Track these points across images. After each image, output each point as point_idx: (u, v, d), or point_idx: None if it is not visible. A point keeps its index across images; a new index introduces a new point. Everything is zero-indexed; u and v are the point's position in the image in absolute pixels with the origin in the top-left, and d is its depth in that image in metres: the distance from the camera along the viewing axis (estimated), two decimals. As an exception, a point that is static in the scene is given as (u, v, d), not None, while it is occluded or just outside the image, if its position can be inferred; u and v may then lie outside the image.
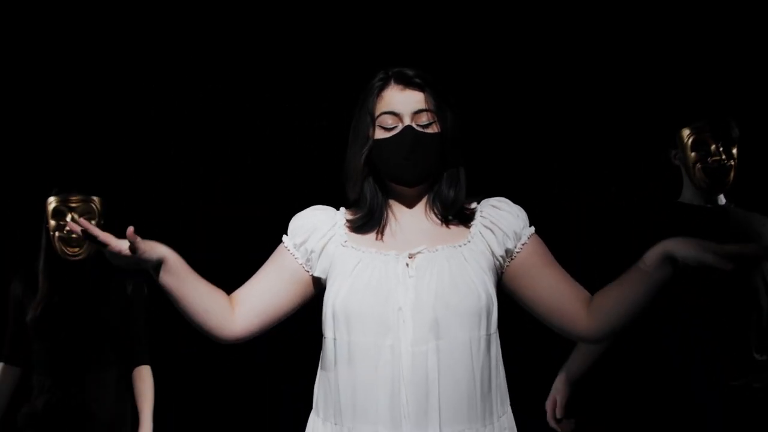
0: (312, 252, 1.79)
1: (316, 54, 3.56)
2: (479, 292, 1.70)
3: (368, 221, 1.79)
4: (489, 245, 1.77)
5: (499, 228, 1.77)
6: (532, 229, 1.81)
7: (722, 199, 2.66)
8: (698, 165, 2.59)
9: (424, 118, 1.77)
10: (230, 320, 1.77)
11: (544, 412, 2.67)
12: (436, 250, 1.74)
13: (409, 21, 3.48)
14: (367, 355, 1.68)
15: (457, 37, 3.51)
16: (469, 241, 1.76)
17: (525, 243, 1.78)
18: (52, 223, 2.88)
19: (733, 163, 2.60)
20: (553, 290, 1.77)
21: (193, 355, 3.45)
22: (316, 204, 1.87)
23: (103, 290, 2.93)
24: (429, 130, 1.77)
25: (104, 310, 2.91)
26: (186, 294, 1.73)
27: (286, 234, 1.84)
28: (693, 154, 2.61)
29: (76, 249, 2.87)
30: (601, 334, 1.76)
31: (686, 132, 2.63)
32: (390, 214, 1.81)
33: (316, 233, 1.79)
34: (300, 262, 1.81)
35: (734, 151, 2.61)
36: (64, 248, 2.86)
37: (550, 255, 1.81)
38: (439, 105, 1.78)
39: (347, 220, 1.81)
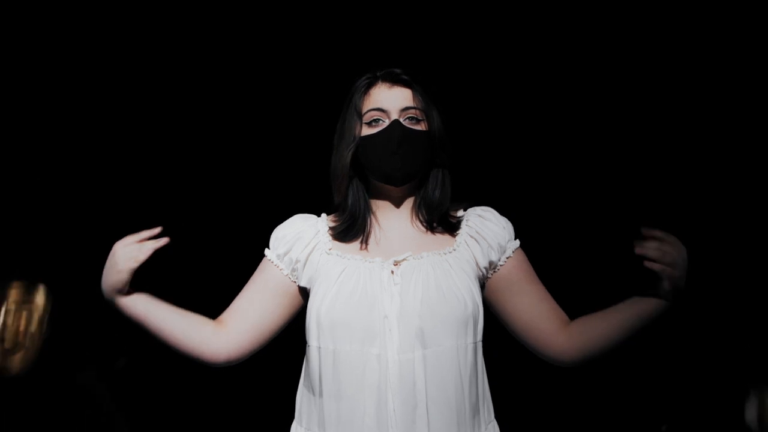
0: (297, 262, 1.76)
1: (316, 54, 3.56)
2: (465, 300, 1.68)
3: (351, 227, 1.76)
4: (474, 255, 1.75)
5: (485, 239, 1.75)
6: (517, 242, 1.79)
7: None
8: None
9: (411, 115, 1.74)
10: (215, 342, 1.75)
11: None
12: (421, 257, 1.71)
13: (407, 21, 3.48)
14: (352, 363, 1.66)
15: (458, 36, 3.51)
16: (455, 249, 1.75)
17: (509, 256, 1.76)
18: None
19: None
20: (533, 307, 1.75)
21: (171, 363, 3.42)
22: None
23: None
24: (416, 127, 1.74)
25: None
26: (157, 322, 1.73)
27: (268, 247, 1.81)
28: None
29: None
30: (576, 358, 1.73)
31: None
32: (374, 221, 1.78)
33: (300, 243, 1.76)
34: (285, 272, 1.78)
35: None
36: None
37: (532, 271, 1.79)
38: (426, 103, 1.76)
39: (330, 228, 1.78)
